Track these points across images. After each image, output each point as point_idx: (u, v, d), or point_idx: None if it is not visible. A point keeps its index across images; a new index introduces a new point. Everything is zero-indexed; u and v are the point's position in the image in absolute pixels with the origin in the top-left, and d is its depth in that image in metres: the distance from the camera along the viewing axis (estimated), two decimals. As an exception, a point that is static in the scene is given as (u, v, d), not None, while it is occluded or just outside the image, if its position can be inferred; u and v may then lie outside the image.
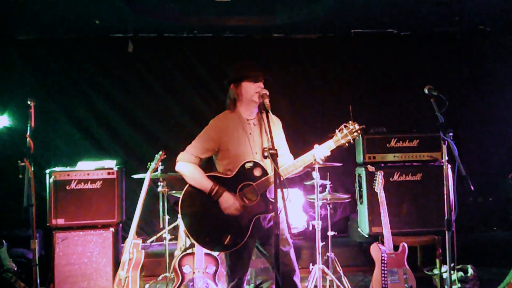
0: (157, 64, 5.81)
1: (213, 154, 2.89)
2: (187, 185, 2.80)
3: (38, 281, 3.55)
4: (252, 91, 2.80)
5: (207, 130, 2.88)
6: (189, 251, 3.89)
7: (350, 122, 2.75)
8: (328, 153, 2.77)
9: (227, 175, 2.79)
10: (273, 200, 2.75)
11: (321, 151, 2.74)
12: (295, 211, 5.18)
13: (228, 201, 2.72)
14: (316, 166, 3.88)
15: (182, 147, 2.90)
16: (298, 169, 2.78)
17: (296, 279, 2.84)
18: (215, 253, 3.90)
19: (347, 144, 2.74)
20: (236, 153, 2.80)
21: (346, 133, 2.73)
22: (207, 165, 2.91)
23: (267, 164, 2.77)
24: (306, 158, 2.76)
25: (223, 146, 2.83)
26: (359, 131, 2.74)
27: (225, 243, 2.73)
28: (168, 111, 5.80)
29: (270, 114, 2.68)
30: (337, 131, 2.75)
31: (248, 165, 2.75)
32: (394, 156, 4.57)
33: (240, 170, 2.75)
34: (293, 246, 2.92)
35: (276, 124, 2.95)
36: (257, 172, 2.75)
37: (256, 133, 2.88)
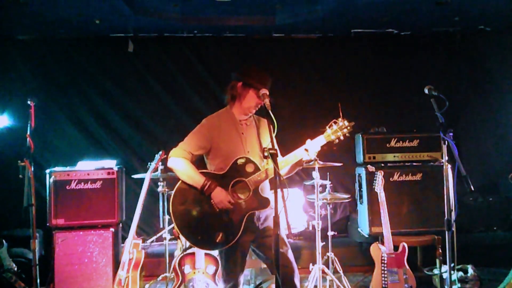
0: (157, 64, 5.81)
1: (205, 153, 2.89)
2: (179, 182, 2.80)
3: (38, 281, 3.55)
4: (252, 102, 2.82)
5: (200, 128, 2.89)
6: (189, 251, 3.89)
7: (340, 118, 2.77)
8: (319, 148, 2.78)
9: (219, 172, 2.80)
10: (265, 196, 2.77)
11: (312, 146, 2.76)
12: (295, 211, 5.17)
13: (220, 196, 2.72)
14: (316, 166, 3.88)
15: (182, 147, 2.89)
16: (289, 164, 2.79)
17: (296, 280, 2.82)
18: (215, 253, 3.90)
19: (337, 140, 2.76)
20: (228, 152, 2.80)
21: (336, 128, 2.75)
22: (198, 166, 2.90)
23: (260, 162, 2.79)
24: (298, 153, 2.77)
25: (215, 145, 2.84)
26: (348, 128, 2.76)
27: (217, 240, 2.73)
28: (168, 111, 5.80)
29: (265, 118, 2.68)
30: (327, 127, 2.78)
31: (240, 161, 2.76)
32: (394, 156, 4.57)
33: (232, 166, 2.76)
34: (293, 246, 2.91)
35: (266, 126, 2.94)
36: (249, 168, 2.76)
37: (248, 133, 2.90)
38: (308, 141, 2.79)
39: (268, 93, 2.74)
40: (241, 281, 2.89)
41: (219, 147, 2.83)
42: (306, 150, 2.75)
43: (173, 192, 2.80)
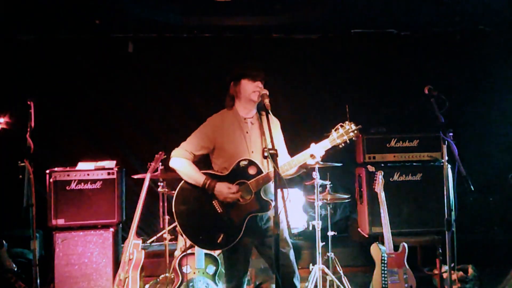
0: (157, 64, 5.80)
1: (208, 152, 2.88)
2: (181, 182, 2.80)
3: (38, 281, 3.55)
4: (250, 89, 2.79)
5: (203, 128, 2.88)
6: (189, 251, 3.89)
7: (347, 122, 2.74)
8: (323, 153, 2.75)
9: (222, 173, 2.79)
10: (267, 199, 2.75)
11: (316, 151, 2.73)
12: (295, 211, 5.18)
13: (223, 190, 2.71)
14: (316, 166, 3.89)
15: (182, 147, 2.89)
16: (293, 168, 2.77)
17: (296, 281, 2.83)
18: (215, 253, 3.91)
19: (342, 144, 2.72)
20: (231, 152, 2.79)
21: (342, 132, 2.71)
22: (203, 164, 2.90)
23: (263, 163, 2.77)
24: (301, 157, 2.75)
25: (218, 145, 2.83)
26: (355, 131, 2.71)
27: (218, 241, 2.73)
28: (168, 111, 5.80)
29: (270, 115, 2.68)
30: (333, 130, 2.74)
31: (243, 163, 2.75)
32: (394, 156, 4.57)
33: (234, 168, 2.75)
34: (293, 246, 2.91)
35: (275, 125, 2.94)
36: (251, 171, 2.74)
37: (253, 132, 2.87)
38: (313, 145, 2.76)
39: (267, 93, 2.74)
40: (245, 281, 2.89)
41: (222, 147, 2.82)
42: (311, 155, 2.72)
43: (175, 192, 2.80)
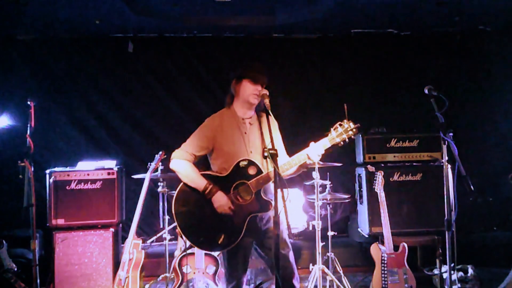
0: (157, 64, 5.81)
1: (208, 153, 2.88)
2: (181, 183, 2.79)
3: (38, 281, 3.55)
4: (249, 91, 2.79)
5: (203, 129, 2.88)
6: (189, 251, 3.89)
7: (345, 120, 2.74)
8: (323, 152, 2.75)
9: (222, 173, 2.79)
10: (267, 199, 2.75)
11: (316, 150, 2.73)
12: (295, 211, 5.18)
13: (221, 200, 2.71)
14: (316, 166, 3.88)
15: (182, 147, 2.88)
16: (293, 167, 2.77)
17: (295, 282, 2.83)
18: (215, 253, 3.90)
19: (342, 143, 2.73)
20: (230, 152, 2.79)
21: (341, 131, 2.72)
22: (203, 164, 2.90)
23: (263, 163, 2.77)
24: (301, 156, 2.75)
25: (217, 145, 2.83)
26: (354, 130, 2.72)
27: (219, 242, 2.73)
28: (168, 111, 5.80)
29: (270, 115, 2.68)
30: (332, 129, 2.74)
31: (242, 163, 2.74)
32: (394, 156, 4.58)
33: (234, 168, 2.74)
34: (293, 246, 2.91)
35: (274, 126, 2.94)
36: (251, 171, 2.74)
37: (251, 133, 2.87)
38: (312, 144, 2.76)
39: (268, 93, 2.74)
40: (244, 281, 2.89)
41: (221, 148, 2.82)
42: (310, 154, 2.72)
43: (175, 193, 2.80)
